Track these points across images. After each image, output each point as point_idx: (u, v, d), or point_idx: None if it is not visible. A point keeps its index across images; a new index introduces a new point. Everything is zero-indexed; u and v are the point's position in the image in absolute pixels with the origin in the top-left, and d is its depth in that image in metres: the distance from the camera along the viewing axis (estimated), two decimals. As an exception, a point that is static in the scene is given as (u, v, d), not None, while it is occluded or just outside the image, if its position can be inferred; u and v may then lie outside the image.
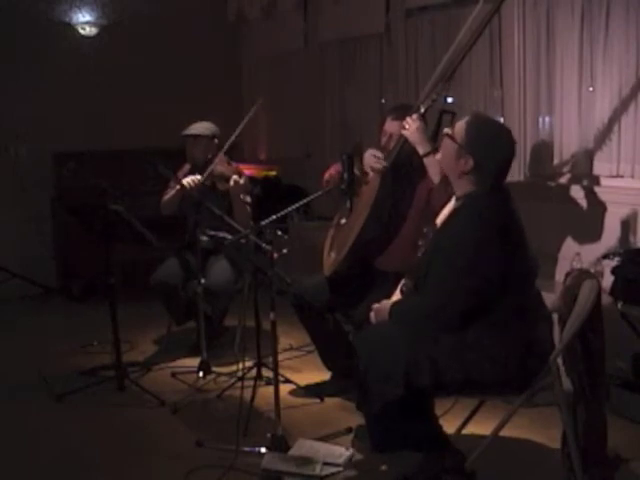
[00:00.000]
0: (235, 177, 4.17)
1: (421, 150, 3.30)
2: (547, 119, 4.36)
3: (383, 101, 5.56)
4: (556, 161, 4.25)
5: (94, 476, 3.08)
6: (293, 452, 3.07)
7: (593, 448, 2.61)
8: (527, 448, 3.14)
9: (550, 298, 2.85)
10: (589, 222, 4.01)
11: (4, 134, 5.94)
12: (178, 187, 4.27)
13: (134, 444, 3.33)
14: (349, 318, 3.60)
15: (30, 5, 5.98)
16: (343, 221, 3.67)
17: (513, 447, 3.11)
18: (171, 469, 3.05)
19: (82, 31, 6.28)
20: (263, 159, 6.93)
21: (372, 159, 3.51)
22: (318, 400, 3.70)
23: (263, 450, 3.09)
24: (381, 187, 3.48)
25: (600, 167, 4.03)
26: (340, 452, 3.07)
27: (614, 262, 3.48)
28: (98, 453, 3.25)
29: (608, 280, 3.48)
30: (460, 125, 2.64)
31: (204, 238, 3.94)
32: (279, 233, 4.49)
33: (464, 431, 3.07)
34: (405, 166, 3.49)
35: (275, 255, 3.13)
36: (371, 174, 3.51)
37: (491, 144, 2.59)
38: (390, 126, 3.58)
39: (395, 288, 2.91)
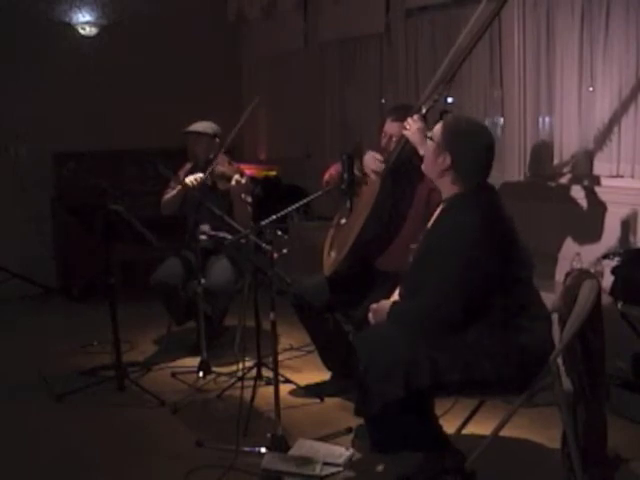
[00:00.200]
0: (237, 177, 4.17)
1: (422, 150, 3.30)
2: (547, 119, 4.37)
3: (383, 101, 5.56)
4: (556, 161, 4.25)
5: (94, 476, 3.08)
6: (293, 452, 3.07)
7: (593, 448, 2.60)
8: (527, 448, 3.14)
9: (550, 298, 2.85)
10: (589, 222, 4.01)
11: (4, 134, 5.94)
12: (179, 187, 4.27)
13: (134, 444, 3.32)
14: (349, 318, 3.60)
15: (30, 5, 5.98)
16: (343, 221, 3.68)
17: (513, 447, 3.11)
18: (171, 469, 3.05)
19: (82, 31, 6.28)
20: (263, 159, 6.94)
21: (372, 161, 3.51)
22: (318, 400, 3.70)
23: (263, 450, 3.09)
24: (381, 187, 3.48)
25: (600, 167, 4.03)
26: (340, 452, 3.07)
27: (614, 262, 3.48)
28: (98, 453, 3.25)
29: (608, 280, 3.48)
30: (438, 125, 2.70)
31: (204, 238, 3.94)
32: (279, 233, 4.50)
33: (464, 431, 3.06)
34: (405, 166, 3.49)
35: (275, 255, 3.13)
36: (372, 176, 3.51)
37: (468, 140, 2.62)
38: (390, 127, 3.58)
39: (395, 288, 2.91)
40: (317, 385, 3.83)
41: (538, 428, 3.24)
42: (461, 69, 3.32)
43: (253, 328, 3.81)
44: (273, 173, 6.30)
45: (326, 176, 3.79)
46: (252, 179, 4.55)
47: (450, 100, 4.80)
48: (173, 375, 4.11)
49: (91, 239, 4.10)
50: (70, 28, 6.24)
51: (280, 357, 3.58)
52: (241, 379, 3.59)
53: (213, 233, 3.94)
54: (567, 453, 2.62)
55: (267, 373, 3.73)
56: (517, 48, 4.34)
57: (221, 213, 3.80)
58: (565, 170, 4.22)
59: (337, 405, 3.65)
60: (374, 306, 2.82)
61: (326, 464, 2.98)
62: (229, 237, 3.64)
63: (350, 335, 3.51)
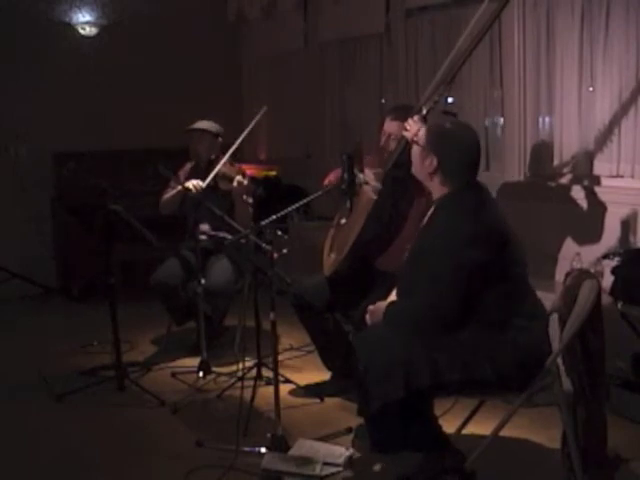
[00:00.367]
0: (239, 178, 4.16)
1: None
2: (547, 119, 4.37)
3: (383, 101, 5.56)
4: (556, 161, 4.25)
5: (94, 476, 3.08)
6: (293, 452, 3.07)
7: (593, 448, 2.61)
8: (527, 448, 3.14)
9: (550, 298, 2.86)
10: (589, 222, 4.01)
11: (4, 134, 5.94)
12: (179, 187, 4.27)
13: (134, 444, 3.32)
14: (349, 318, 3.60)
15: (30, 5, 5.98)
16: (343, 221, 3.67)
17: (513, 447, 3.11)
18: (171, 469, 3.05)
19: (82, 31, 6.28)
20: (263, 159, 6.93)
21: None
22: (318, 400, 3.70)
23: (263, 450, 3.09)
24: (381, 187, 3.48)
25: (600, 167, 4.03)
26: (340, 452, 3.07)
27: (614, 262, 3.48)
28: (98, 453, 3.25)
29: (608, 280, 3.48)
30: (423, 130, 2.76)
31: (204, 238, 3.94)
32: (279, 233, 4.49)
33: (464, 431, 3.06)
34: (406, 166, 3.48)
35: (275, 255, 3.13)
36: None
37: (452, 142, 2.66)
38: (389, 126, 3.59)
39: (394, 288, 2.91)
40: (317, 385, 3.83)
41: (538, 428, 3.24)
42: (461, 70, 3.32)
43: (253, 328, 3.81)
44: (273, 173, 6.29)
45: (325, 182, 3.79)
46: (254, 180, 4.55)
47: (450, 100, 4.80)
48: (173, 375, 4.11)
49: (91, 239, 4.11)
50: (70, 28, 6.24)
51: (280, 357, 3.58)
52: (241, 379, 3.59)
53: (213, 233, 3.94)
54: (567, 453, 2.62)
55: (267, 373, 3.73)
56: (517, 48, 4.34)
57: (221, 213, 3.80)
58: (565, 170, 4.22)
59: (337, 405, 3.65)
60: (371, 307, 2.83)
61: (326, 464, 2.98)
62: (229, 237, 3.64)
63: (350, 335, 3.52)
